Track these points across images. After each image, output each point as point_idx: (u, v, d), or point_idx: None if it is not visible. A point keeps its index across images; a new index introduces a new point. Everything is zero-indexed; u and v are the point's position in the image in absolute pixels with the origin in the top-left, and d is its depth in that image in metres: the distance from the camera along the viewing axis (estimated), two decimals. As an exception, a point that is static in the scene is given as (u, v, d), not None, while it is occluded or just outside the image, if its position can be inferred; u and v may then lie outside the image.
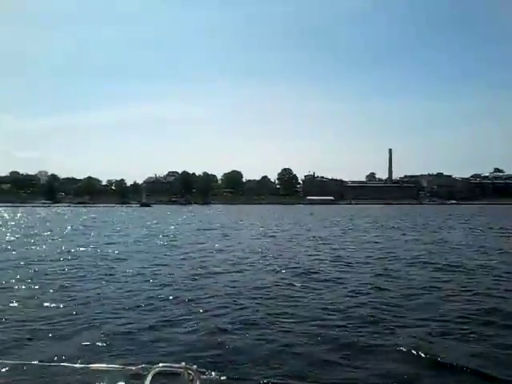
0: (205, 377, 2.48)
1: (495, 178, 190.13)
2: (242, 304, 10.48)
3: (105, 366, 3.61)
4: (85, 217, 63.40)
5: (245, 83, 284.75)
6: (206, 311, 9.82)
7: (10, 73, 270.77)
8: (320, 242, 24.70)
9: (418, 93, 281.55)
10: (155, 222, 49.42)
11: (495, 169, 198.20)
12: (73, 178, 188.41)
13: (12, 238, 28.41)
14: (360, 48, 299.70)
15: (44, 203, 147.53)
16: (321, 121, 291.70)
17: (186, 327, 8.66)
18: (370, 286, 12.06)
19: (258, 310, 9.88)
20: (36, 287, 12.25)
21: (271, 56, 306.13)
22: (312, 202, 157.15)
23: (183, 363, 2.47)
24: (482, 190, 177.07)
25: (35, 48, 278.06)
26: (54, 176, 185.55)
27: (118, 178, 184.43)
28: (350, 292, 11.47)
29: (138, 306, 10.11)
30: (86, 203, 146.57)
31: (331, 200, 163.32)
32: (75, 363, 4.63)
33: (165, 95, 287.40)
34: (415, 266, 15.89)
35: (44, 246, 23.31)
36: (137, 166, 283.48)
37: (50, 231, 34.77)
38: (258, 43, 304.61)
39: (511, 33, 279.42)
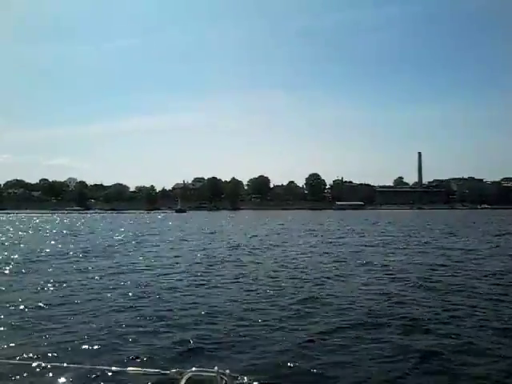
0: (238, 381, 2.57)
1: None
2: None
3: (140, 369, 3.45)
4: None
5: (267, 92, 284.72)
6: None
7: (36, 83, 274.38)
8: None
9: (444, 97, 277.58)
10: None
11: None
12: (101, 185, 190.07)
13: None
14: (382, 56, 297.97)
15: (76, 210, 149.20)
16: (348, 126, 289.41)
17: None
18: None
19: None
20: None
21: (298, 67, 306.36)
22: (342, 208, 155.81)
23: (216, 368, 2.52)
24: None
25: (65, 59, 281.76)
26: (82, 183, 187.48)
27: (143, 185, 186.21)
28: None
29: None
30: (119, 210, 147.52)
31: (361, 205, 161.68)
32: (112, 366, 4.56)
33: (190, 105, 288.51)
34: None
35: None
36: (161, 173, 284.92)
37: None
38: (281, 54, 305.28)
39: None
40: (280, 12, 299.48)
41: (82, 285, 14.38)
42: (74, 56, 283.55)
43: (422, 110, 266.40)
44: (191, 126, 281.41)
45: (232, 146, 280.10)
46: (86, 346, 8.06)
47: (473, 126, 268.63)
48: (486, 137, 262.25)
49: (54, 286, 14.12)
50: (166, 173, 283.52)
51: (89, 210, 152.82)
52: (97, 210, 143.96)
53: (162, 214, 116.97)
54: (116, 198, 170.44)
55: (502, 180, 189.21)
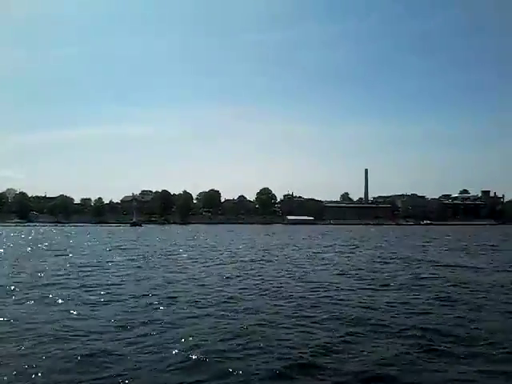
0: None
1: (464, 198, 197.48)
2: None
3: None
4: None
5: (217, 106, 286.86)
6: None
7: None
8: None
9: (387, 115, 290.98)
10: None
11: (463, 190, 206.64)
12: (44, 197, 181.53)
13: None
14: (332, 72, 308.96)
15: (17, 223, 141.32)
16: (296, 141, 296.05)
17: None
18: None
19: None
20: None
21: (246, 81, 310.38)
22: (293, 222, 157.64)
23: None
24: (454, 211, 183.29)
25: (4, 65, 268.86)
26: (23, 194, 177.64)
27: (89, 197, 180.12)
28: None
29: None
30: (64, 222, 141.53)
31: (312, 220, 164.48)
32: None
33: (137, 117, 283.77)
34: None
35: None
36: (107, 185, 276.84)
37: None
38: (230, 67, 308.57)
39: (481, 58, 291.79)
40: (229, 26, 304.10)
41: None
42: (16, 62, 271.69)
43: (365, 126, 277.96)
44: (138, 137, 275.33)
45: (180, 160, 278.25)
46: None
47: (415, 142, 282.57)
48: (426, 153, 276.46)
49: None
50: (112, 185, 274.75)
51: (31, 222, 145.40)
52: (43, 224, 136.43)
53: (118, 228, 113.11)
54: (61, 210, 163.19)
55: (441, 197, 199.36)
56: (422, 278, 20.98)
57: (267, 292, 16.77)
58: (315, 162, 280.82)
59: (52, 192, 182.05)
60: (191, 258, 31.22)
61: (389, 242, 55.68)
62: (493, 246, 47.03)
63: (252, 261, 29.66)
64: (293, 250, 40.72)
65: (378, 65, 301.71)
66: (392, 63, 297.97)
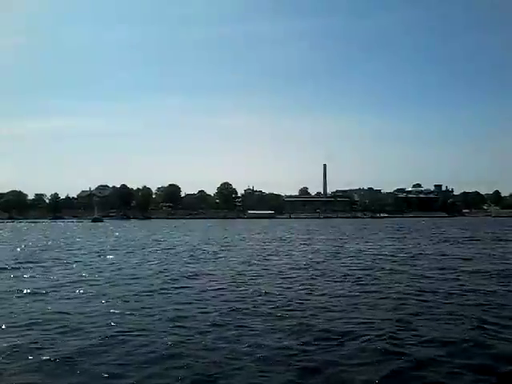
0: None
1: (418, 192, 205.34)
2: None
3: None
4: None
5: (172, 99, 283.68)
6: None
7: None
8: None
9: (344, 112, 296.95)
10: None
11: (416, 184, 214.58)
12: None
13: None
14: (288, 68, 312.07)
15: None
16: (255, 137, 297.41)
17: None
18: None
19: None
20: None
21: (206, 71, 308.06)
22: (253, 216, 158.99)
23: None
24: (408, 204, 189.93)
25: None
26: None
27: (44, 192, 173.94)
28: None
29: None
30: (18, 219, 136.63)
31: (272, 214, 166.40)
32: None
33: (91, 109, 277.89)
34: None
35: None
36: (62, 180, 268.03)
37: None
38: (183, 60, 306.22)
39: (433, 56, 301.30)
40: (180, 19, 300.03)
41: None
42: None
43: (323, 123, 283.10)
44: (92, 131, 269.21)
45: (137, 154, 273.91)
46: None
47: (371, 138, 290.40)
48: (381, 149, 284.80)
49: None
50: (68, 180, 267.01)
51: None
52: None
53: (79, 223, 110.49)
54: (14, 205, 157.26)
55: (396, 191, 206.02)
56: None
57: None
58: (275, 157, 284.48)
59: (3, 188, 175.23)
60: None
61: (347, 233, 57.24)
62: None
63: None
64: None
65: (333, 62, 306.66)
66: (347, 60, 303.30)
